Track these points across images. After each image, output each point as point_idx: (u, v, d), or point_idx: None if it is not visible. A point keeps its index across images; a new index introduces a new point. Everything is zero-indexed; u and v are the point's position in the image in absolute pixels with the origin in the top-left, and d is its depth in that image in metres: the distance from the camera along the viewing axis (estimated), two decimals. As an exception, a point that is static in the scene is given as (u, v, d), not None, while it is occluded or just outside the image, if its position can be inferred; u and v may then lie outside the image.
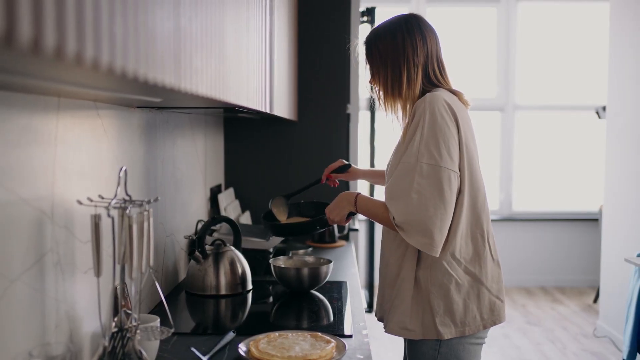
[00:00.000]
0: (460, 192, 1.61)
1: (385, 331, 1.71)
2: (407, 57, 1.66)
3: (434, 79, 1.68)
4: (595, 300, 5.14)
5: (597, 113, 5.06)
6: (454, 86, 1.72)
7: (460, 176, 1.60)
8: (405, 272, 1.65)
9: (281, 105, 2.32)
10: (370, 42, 1.73)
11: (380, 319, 1.78)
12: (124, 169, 1.17)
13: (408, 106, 1.66)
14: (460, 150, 1.59)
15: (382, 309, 1.75)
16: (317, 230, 1.96)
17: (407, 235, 1.57)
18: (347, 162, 2.14)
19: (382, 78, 1.70)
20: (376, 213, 1.68)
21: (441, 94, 1.62)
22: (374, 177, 2.15)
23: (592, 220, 5.67)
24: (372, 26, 3.73)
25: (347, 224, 3.11)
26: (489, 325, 1.66)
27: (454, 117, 1.59)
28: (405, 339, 1.76)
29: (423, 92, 1.67)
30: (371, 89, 1.78)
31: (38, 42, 0.48)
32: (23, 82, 0.88)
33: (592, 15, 5.78)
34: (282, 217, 2.12)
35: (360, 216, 4.42)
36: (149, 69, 0.70)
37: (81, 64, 0.50)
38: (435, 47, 1.70)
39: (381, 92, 1.72)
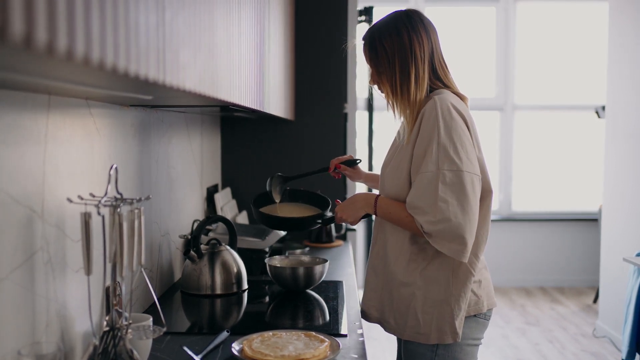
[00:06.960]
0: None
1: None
2: (414, 53, 1.59)
3: (440, 74, 1.64)
4: (595, 300, 5.12)
5: (597, 113, 5.05)
6: (459, 88, 1.67)
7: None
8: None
9: (275, 103, 2.30)
10: (373, 40, 1.64)
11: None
12: (114, 166, 1.16)
13: (416, 105, 1.60)
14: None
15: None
16: (316, 225, 1.96)
17: (437, 243, 1.53)
18: (357, 158, 2.07)
19: (388, 78, 1.62)
20: (399, 218, 1.61)
21: (447, 96, 1.58)
22: (374, 181, 2.07)
23: (592, 220, 5.66)
24: (369, 25, 3.71)
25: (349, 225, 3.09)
26: (492, 305, 1.70)
27: (464, 120, 1.56)
28: (399, 340, 1.75)
29: (429, 89, 1.63)
30: (377, 88, 1.70)
31: (29, 35, 0.47)
32: (11, 78, 0.87)
33: (591, 14, 5.77)
34: (276, 198, 2.07)
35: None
36: (131, 62, 0.69)
37: (52, 53, 0.50)
38: (437, 41, 1.66)
39: (389, 93, 1.64)
